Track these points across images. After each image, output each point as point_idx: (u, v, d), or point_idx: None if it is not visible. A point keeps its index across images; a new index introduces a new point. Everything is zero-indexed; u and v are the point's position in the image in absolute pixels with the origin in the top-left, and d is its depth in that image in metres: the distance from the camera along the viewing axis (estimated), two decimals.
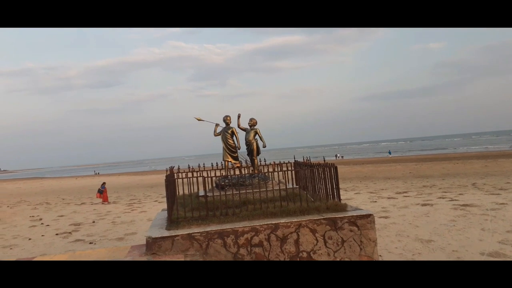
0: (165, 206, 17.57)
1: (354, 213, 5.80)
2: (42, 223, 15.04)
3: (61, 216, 16.89)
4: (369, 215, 5.80)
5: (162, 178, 45.76)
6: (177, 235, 5.10)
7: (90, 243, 10.82)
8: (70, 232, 12.67)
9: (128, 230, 12.53)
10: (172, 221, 5.47)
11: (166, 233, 5.15)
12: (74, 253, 5.64)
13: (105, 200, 21.21)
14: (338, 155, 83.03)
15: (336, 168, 6.11)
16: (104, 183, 22.72)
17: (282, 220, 5.56)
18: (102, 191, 21.52)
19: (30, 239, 12.01)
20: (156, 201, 20.61)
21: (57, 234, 12.49)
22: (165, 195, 20.90)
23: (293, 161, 8.16)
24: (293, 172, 6.99)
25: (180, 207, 5.92)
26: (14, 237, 12.48)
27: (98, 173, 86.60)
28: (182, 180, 6.30)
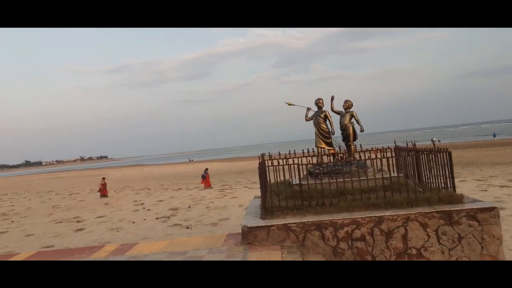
0: (255, 192, 17.71)
1: (474, 206, 5.00)
2: (143, 208, 16.19)
3: (160, 201, 18.03)
4: (492, 208, 4.96)
5: (249, 164, 46.88)
6: (273, 225, 4.86)
7: (187, 227, 11.25)
8: (168, 217, 13.39)
9: (222, 215, 12.82)
10: (267, 210, 5.25)
11: (261, 223, 4.95)
12: (173, 240, 5.76)
13: (207, 185, 22.16)
14: (434, 138, 76.81)
15: (450, 153, 5.33)
16: (206, 169, 23.79)
17: (387, 213, 5.00)
18: (204, 177, 22.58)
19: (133, 222, 12.94)
20: (246, 187, 20.97)
21: (157, 218, 13.28)
22: (254, 181, 21.06)
23: (394, 146, 7.43)
24: (394, 158, 6.32)
25: (274, 195, 5.68)
26: (120, 221, 13.57)
27: (192, 160, 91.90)
28: (274, 168, 6.05)
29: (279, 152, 7.31)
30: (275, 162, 6.42)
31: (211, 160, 78.60)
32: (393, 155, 6.62)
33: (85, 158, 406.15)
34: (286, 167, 6.20)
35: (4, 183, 62.09)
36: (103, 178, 23.85)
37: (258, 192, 17.74)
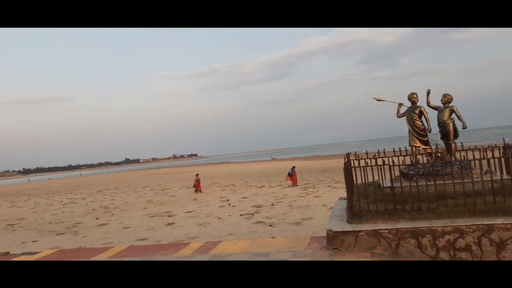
0: (339, 192, 17.08)
1: None
2: (229, 204, 16.59)
3: (245, 197, 18.34)
4: None
5: (332, 163, 45.69)
6: (361, 231, 4.48)
7: (270, 225, 11.20)
8: (252, 214, 13.50)
9: (304, 214, 12.55)
10: (354, 214, 4.87)
11: (349, 227, 4.60)
12: (255, 240, 5.67)
13: (294, 183, 22.18)
14: None
15: None
16: (293, 167, 23.89)
17: (498, 221, 4.31)
18: (291, 174, 22.70)
19: (219, 218, 13.29)
20: (329, 186, 20.39)
21: (241, 215, 13.47)
22: (337, 180, 20.35)
23: (502, 144, 6.47)
24: (504, 159, 5.47)
25: (362, 198, 5.27)
26: (207, 216, 14.04)
27: (274, 158, 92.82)
28: (360, 168, 5.60)
29: (366, 152, 6.82)
30: (363, 162, 5.97)
31: (293, 158, 78.50)
32: (502, 154, 5.74)
33: (177, 156, 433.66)
34: (378, 168, 5.72)
35: (107, 179, 69.00)
36: (197, 175, 24.91)
37: (342, 193, 17.12)
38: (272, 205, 15.21)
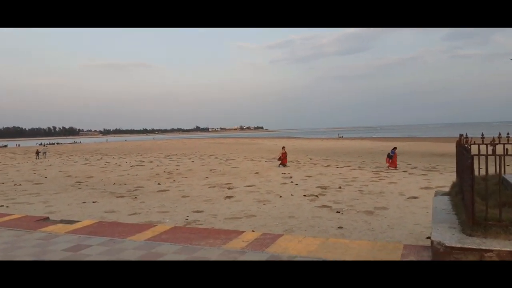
0: (417, 180, 15.06)
1: None
2: (291, 182, 15.44)
3: (309, 176, 17.06)
4: None
5: (407, 145, 42.34)
6: (490, 250, 3.03)
7: (337, 212, 9.87)
8: (317, 195, 12.23)
9: (378, 203, 11.00)
10: (477, 223, 3.39)
11: (469, 242, 3.17)
12: (327, 239, 4.43)
13: (393, 165, 20.10)
14: None
15: None
16: (395, 148, 21.39)
17: None
18: (392, 156, 20.56)
19: (281, 196, 12.21)
20: (406, 171, 18.34)
21: (304, 196, 12.27)
22: (414, 166, 18.11)
23: None
24: None
25: (479, 199, 3.74)
26: (267, 193, 13.04)
27: (342, 136, 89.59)
28: (479, 158, 4.02)
29: (482, 134, 5.12)
30: (483, 149, 4.34)
31: (363, 138, 74.89)
32: None
33: (244, 127, 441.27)
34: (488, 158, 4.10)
35: (177, 144, 71.43)
36: (283, 148, 23.54)
37: (421, 180, 15.07)
38: (340, 187, 13.77)
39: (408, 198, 11.60)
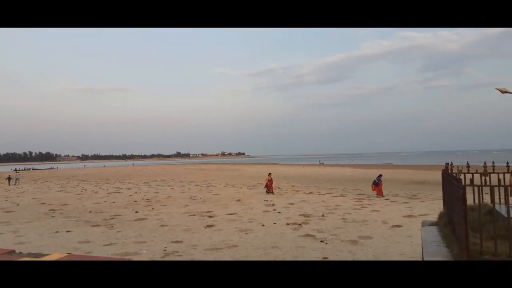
0: (400, 208, 15.03)
1: None
2: (274, 209, 15.17)
3: (291, 204, 16.83)
4: None
5: (386, 173, 42.82)
6: None
7: (321, 241, 9.65)
8: (300, 224, 11.99)
9: (362, 231, 10.83)
10: (470, 257, 3.23)
11: None
12: None
13: (379, 193, 19.94)
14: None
15: None
16: (380, 175, 21.29)
17: None
18: (378, 184, 20.38)
19: (263, 225, 11.91)
20: (387, 199, 18.34)
21: (287, 224, 12.02)
22: (395, 193, 18.13)
23: None
24: None
25: (471, 231, 3.61)
26: (250, 221, 12.72)
27: (323, 163, 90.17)
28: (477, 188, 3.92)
29: (467, 163, 5.08)
30: (471, 178, 4.26)
31: (343, 165, 75.55)
32: None
33: (226, 153, 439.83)
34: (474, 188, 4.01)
35: (156, 170, 70.26)
36: (269, 174, 23.09)
37: (404, 208, 15.02)
38: (323, 215, 13.58)
39: (391, 226, 11.48)
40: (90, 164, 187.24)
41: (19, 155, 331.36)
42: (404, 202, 17.18)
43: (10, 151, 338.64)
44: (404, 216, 13.23)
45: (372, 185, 21.01)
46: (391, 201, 17.47)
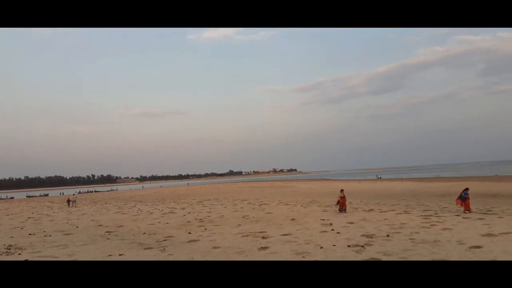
0: (476, 225, 13.30)
1: None
2: (332, 229, 14.11)
3: (351, 223, 15.64)
4: None
5: (451, 186, 39.66)
6: None
7: None
8: (362, 246, 10.88)
9: (435, 254, 9.55)
10: None
11: None
12: None
13: (467, 208, 17.95)
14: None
15: None
16: (466, 189, 19.01)
17: None
18: (465, 198, 18.26)
19: (321, 247, 10.95)
20: (458, 215, 16.55)
21: (348, 246, 10.96)
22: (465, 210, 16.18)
23: None
24: None
25: None
26: (306, 243, 11.81)
27: (380, 178, 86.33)
28: None
29: None
30: None
31: (403, 179, 71.68)
32: None
33: (277, 170, 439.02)
34: None
35: (210, 189, 71.07)
36: (342, 191, 20.89)
37: (479, 226, 13.31)
38: (388, 236, 12.32)
39: (469, 247, 10.06)
40: (148, 185, 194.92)
41: (83, 178, 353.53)
42: (479, 218, 15.35)
43: (75, 175, 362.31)
44: (483, 235, 11.66)
45: (457, 199, 18.89)
46: (463, 218, 15.70)
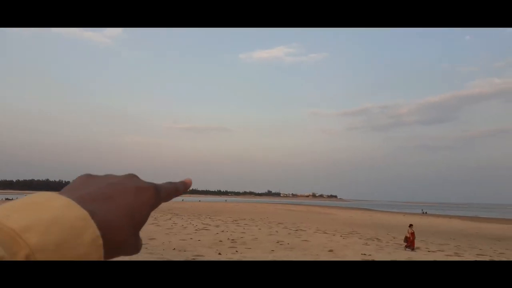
0: None
1: None
2: None
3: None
4: None
5: (508, 228, 36.35)
6: None
7: None
8: None
9: None
10: None
11: None
12: None
13: None
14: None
15: None
16: None
17: None
18: None
19: None
20: None
21: None
22: None
23: None
24: None
25: None
26: None
27: (426, 212, 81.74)
28: None
29: None
30: None
31: (451, 216, 67.22)
32: None
33: (317, 195, 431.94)
34: None
35: (247, 208, 70.41)
36: (411, 226, 19.24)
37: None
38: None
39: None
40: (188, 198, 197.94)
41: None
42: None
43: None
44: None
45: None
46: None
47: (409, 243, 18.14)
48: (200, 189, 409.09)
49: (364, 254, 15.76)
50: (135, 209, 0.43)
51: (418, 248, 18.68)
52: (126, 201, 0.43)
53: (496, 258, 16.22)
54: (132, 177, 0.47)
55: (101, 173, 0.47)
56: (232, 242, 18.17)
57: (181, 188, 0.53)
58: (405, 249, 17.72)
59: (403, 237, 24.04)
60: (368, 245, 19.05)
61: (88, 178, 0.45)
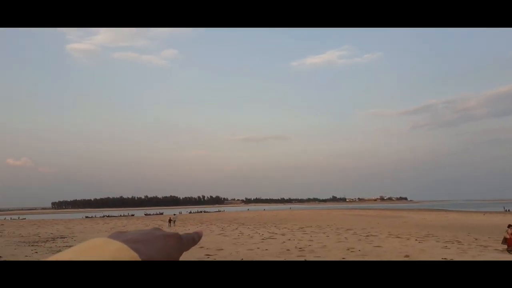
0: None
1: None
2: None
3: None
4: None
5: None
6: None
7: None
8: None
9: None
10: None
11: None
12: None
13: None
14: None
15: None
16: None
17: None
18: None
19: None
20: None
21: None
22: None
23: None
24: None
25: None
26: None
27: (509, 210, 74.68)
28: None
29: None
30: None
31: None
32: None
33: (385, 198, 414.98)
34: None
35: (312, 215, 69.20)
36: (510, 226, 17.31)
37: None
38: None
39: None
40: (252, 207, 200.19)
41: (195, 199, 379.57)
42: None
43: (188, 195, 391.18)
44: None
45: None
46: None
47: (509, 244, 16.38)
48: (263, 197, 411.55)
49: (445, 258, 14.48)
50: (168, 250, 0.53)
51: (505, 249, 16.83)
52: (160, 244, 0.53)
53: None
54: (158, 228, 0.57)
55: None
56: (300, 250, 17.71)
57: (197, 238, 0.61)
58: (509, 253, 16.01)
59: (487, 239, 21.96)
60: (448, 248, 17.54)
61: (121, 232, 0.54)
